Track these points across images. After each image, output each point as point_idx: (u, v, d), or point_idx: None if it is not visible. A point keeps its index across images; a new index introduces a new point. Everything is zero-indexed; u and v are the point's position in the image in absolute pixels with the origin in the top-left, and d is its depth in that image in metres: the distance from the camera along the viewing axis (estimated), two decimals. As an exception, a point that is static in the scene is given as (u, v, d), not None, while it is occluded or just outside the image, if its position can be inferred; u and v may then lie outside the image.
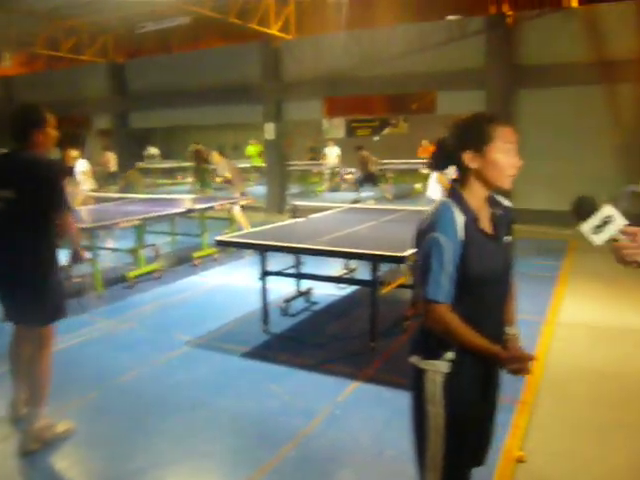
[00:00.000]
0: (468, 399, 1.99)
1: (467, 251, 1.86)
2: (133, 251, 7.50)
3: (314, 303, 6.16)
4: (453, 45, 11.04)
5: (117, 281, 7.19)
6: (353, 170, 15.92)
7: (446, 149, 1.98)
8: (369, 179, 14.57)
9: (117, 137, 16.25)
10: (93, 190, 10.36)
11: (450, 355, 1.94)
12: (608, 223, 1.70)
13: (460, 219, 1.87)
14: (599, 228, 1.71)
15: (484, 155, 1.87)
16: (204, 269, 7.95)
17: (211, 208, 8.53)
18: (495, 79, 10.60)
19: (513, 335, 2.10)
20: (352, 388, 4.10)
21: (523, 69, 10.43)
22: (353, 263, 6.70)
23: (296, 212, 6.85)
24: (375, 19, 13.20)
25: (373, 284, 4.66)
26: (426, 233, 1.89)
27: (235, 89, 13.43)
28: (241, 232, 6.11)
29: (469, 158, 1.89)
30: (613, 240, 1.71)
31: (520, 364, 1.83)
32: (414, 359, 2.03)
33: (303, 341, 5.10)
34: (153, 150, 21.89)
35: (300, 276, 5.64)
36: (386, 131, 20.63)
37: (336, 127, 21.11)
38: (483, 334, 1.87)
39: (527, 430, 3.47)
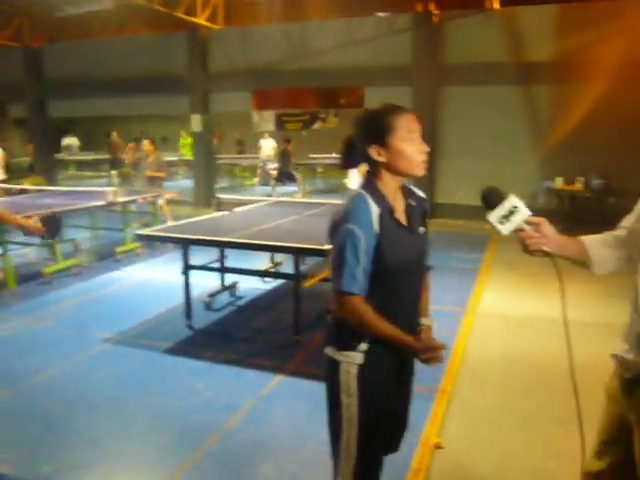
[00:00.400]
0: (382, 390, 2.01)
1: (381, 242, 1.87)
2: (49, 245, 7.15)
3: (239, 297, 6.09)
4: (381, 41, 11.19)
5: (32, 277, 6.84)
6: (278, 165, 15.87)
7: (353, 146, 1.98)
8: (286, 175, 14.54)
9: (34, 126, 15.42)
10: (2, 181, 9.82)
11: (364, 346, 1.95)
12: (514, 213, 1.75)
13: (375, 210, 1.87)
14: (506, 218, 1.76)
15: (389, 147, 1.88)
16: (127, 264, 7.69)
17: (134, 201, 8.26)
18: (421, 76, 10.84)
19: (427, 326, 2.14)
20: (276, 382, 4.08)
21: (448, 67, 10.72)
22: (279, 257, 6.68)
23: (221, 205, 6.74)
24: (305, 13, 13.19)
25: (296, 277, 4.65)
26: (340, 224, 1.88)
27: (161, 79, 13.06)
28: (163, 226, 5.94)
29: (375, 152, 1.90)
30: (519, 230, 1.76)
31: (433, 353, 1.87)
32: (329, 350, 2.03)
33: (227, 336, 5.03)
34: (70, 140, 20.41)
35: (224, 270, 5.55)
36: (316, 125, 20.68)
37: (266, 120, 20.91)
38: (397, 325, 1.90)
39: (445, 418, 3.57)
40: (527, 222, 1.76)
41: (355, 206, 1.89)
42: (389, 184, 1.95)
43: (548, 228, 1.79)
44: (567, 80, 9.82)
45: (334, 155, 17.15)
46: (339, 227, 1.88)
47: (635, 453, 1.73)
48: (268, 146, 17.69)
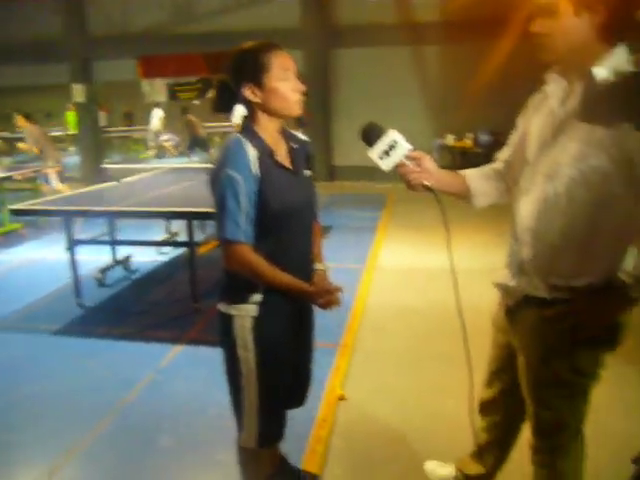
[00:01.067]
0: (280, 341, 1.95)
1: (264, 186, 1.78)
2: None
3: (134, 271, 5.79)
4: (271, 3, 10.91)
5: None
6: (171, 136, 15.27)
7: (227, 87, 1.87)
8: (198, 143, 14.08)
9: None
10: None
11: (257, 297, 1.87)
12: (394, 148, 1.71)
13: (253, 153, 1.78)
14: (386, 153, 1.72)
15: (263, 86, 1.79)
16: (8, 246, 7.10)
17: (9, 178, 7.61)
18: (311, 39, 10.72)
19: (322, 271, 2.07)
20: (175, 352, 3.92)
21: (338, 29, 10.68)
22: (175, 227, 6.42)
23: (106, 176, 6.35)
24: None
25: (190, 244, 4.46)
26: (218, 171, 1.77)
27: (37, 45, 12.03)
28: (42, 199, 5.49)
29: (249, 92, 1.80)
30: (401, 165, 1.72)
31: (329, 296, 1.82)
32: (221, 306, 1.94)
33: (122, 311, 4.77)
34: None
35: (114, 243, 5.24)
36: (210, 94, 20.05)
37: (157, 91, 20.02)
38: (290, 272, 1.83)
39: (348, 370, 3.59)
40: (408, 157, 1.73)
41: (232, 151, 1.78)
42: (267, 126, 1.86)
43: (429, 163, 1.77)
44: (454, 40, 10.07)
45: (229, 123, 16.77)
46: (217, 174, 1.77)
47: (519, 376, 1.77)
48: (155, 117, 17.01)
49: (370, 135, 1.73)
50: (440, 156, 10.27)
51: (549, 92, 1.64)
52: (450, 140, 10.26)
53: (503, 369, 1.93)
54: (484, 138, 10.04)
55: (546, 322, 1.61)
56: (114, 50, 11.78)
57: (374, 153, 1.72)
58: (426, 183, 1.73)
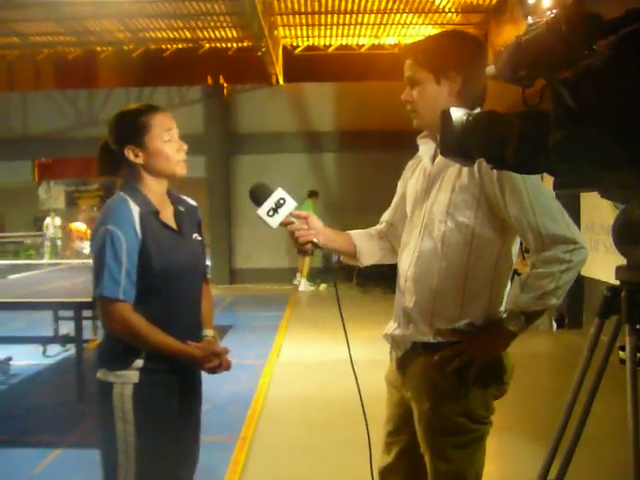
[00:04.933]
0: (163, 411, 1.81)
1: (146, 244, 1.74)
2: None
3: (13, 375, 5.29)
4: (174, 112, 11.12)
5: None
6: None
7: (110, 150, 1.85)
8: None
9: None
10: None
11: (139, 363, 1.75)
12: (281, 206, 1.75)
13: (136, 210, 1.75)
14: (275, 211, 1.75)
15: (146, 147, 1.79)
16: None
17: None
18: (214, 145, 11.08)
19: (211, 337, 1.97)
20: (53, 456, 3.54)
21: (239, 136, 11.15)
22: (65, 328, 6.01)
23: None
24: (94, 80, 12.85)
25: (77, 340, 4.18)
26: (98, 227, 1.73)
27: None
28: None
29: (131, 154, 1.79)
30: (289, 223, 1.76)
31: (215, 361, 1.76)
32: (100, 373, 1.80)
33: (-3, 416, 4.30)
34: None
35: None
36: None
37: (55, 197, 19.52)
38: (176, 337, 1.75)
39: (246, 464, 3.39)
40: (295, 216, 1.78)
41: (114, 207, 1.76)
42: (152, 187, 1.84)
43: (316, 221, 1.83)
44: (347, 148, 10.78)
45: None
46: (98, 230, 1.73)
47: (417, 431, 1.76)
48: (55, 224, 16.61)
49: (258, 194, 1.76)
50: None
51: (421, 153, 1.80)
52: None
53: (400, 428, 1.90)
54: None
55: (434, 367, 1.65)
56: (8, 152, 11.49)
57: (262, 211, 1.75)
58: (315, 240, 1.78)
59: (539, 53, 1.04)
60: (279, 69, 11.40)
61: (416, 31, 10.42)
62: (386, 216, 2.00)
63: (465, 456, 1.70)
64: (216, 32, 10.59)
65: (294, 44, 11.50)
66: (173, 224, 1.87)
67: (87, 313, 4.72)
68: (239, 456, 3.48)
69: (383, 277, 8.12)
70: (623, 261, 1.36)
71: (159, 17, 9.71)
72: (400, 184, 1.94)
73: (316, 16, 9.93)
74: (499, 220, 1.61)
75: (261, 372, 5.24)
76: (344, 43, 11.32)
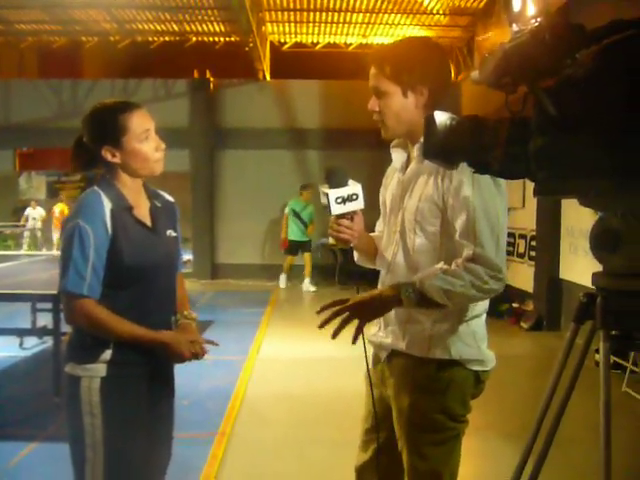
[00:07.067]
0: (132, 405, 1.79)
1: (117, 241, 1.73)
2: None
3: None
4: (159, 104, 11.15)
5: None
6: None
7: (84, 147, 1.83)
8: None
9: None
10: None
11: (107, 355, 1.74)
12: (351, 200, 1.74)
13: (108, 206, 1.74)
14: (343, 201, 1.73)
15: (123, 148, 1.77)
16: None
17: None
18: (199, 139, 11.01)
19: (187, 321, 1.95)
20: (28, 450, 3.50)
21: (224, 131, 11.08)
22: (43, 320, 5.94)
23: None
24: (79, 70, 12.69)
25: (55, 332, 4.13)
26: (68, 222, 1.72)
27: None
28: None
29: (109, 154, 1.77)
30: (345, 216, 1.75)
31: (191, 346, 1.76)
32: (68, 367, 1.77)
33: (-31, 409, 4.24)
34: None
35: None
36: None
37: (36, 188, 19.28)
38: (150, 329, 1.75)
39: (224, 458, 3.39)
40: (351, 213, 1.75)
41: (86, 202, 1.75)
42: (127, 183, 1.83)
43: (361, 222, 1.82)
44: (332, 146, 10.78)
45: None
46: (67, 224, 1.72)
47: (395, 428, 1.78)
48: (34, 215, 16.42)
49: (338, 178, 1.73)
50: (322, 255, 10.58)
51: (394, 163, 1.85)
52: (331, 239, 10.65)
53: (377, 426, 1.92)
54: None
55: (415, 363, 1.70)
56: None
57: (333, 194, 1.72)
58: (351, 244, 1.81)
59: (523, 61, 1.06)
60: (266, 65, 11.36)
61: (404, 31, 10.44)
62: (379, 226, 2.02)
63: (441, 454, 1.73)
64: (203, 26, 10.50)
65: (282, 40, 11.44)
66: (148, 220, 1.86)
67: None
68: (217, 451, 3.48)
69: (364, 277, 8.18)
70: (600, 266, 1.39)
71: (146, 9, 9.62)
72: (382, 191, 1.97)
73: (304, 13, 9.90)
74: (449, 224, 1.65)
75: (241, 368, 5.23)
76: (332, 41, 11.29)
